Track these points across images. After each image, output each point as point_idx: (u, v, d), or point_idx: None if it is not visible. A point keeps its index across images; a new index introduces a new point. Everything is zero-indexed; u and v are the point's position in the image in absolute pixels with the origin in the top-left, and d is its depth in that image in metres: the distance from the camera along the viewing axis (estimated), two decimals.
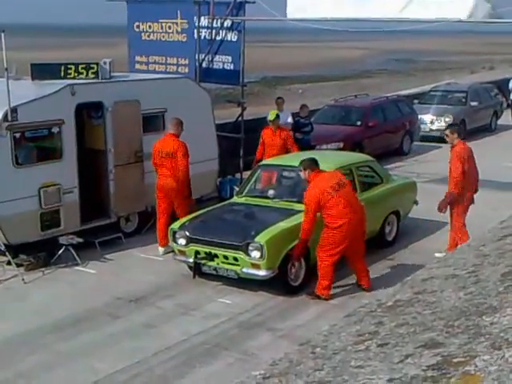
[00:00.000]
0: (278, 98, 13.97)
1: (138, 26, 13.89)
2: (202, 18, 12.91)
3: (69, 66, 9.87)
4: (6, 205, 8.69)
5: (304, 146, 12.72)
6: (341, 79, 44.93)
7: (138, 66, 13.97)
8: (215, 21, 12.83)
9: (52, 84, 9.48)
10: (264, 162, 10.40)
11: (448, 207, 8.99)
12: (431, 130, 18.43)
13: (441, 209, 8.95)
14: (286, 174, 9.72)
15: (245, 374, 2.10)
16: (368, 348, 2.03)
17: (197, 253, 8.28)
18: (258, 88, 36.81)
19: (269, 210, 8.76)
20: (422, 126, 18.22)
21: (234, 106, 14.54)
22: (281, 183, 9.80)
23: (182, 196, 9.57)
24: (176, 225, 8.60)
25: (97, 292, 8.28)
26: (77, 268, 9.06)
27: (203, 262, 8.24)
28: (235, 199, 9.42)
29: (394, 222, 9.93)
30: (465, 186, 8.88)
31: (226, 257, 8.08)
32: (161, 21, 13.53)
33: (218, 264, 8.16)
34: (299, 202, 8.35)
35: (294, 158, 10.27)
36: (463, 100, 19.44)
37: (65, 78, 9.77)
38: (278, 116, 11.71)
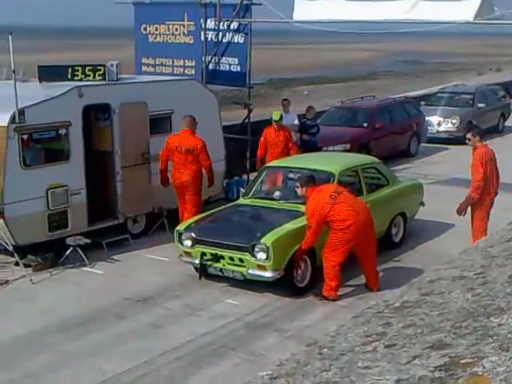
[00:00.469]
0: (284, 99, 14.02)
1: (145, 28, 13.93)
2: (209, 20, 12.95)
3: (76, 68, 9.92)
4: (14, 206, 8.73)
5: (311, 147, 12.78)
6: (347, 81, 44.87)
7: (144, 68, 14.01)
8: (222, 23, 12.86)
9: (59, 86, 9.52)
10: (270, 164, 10.40)
11: (468, 210, 8.88)
12: (438, 131, 18.38)
13: (460, 212, 8.87)
14: (291, 175, 9.72)
15: (252, 375, 2.10)
16: (375, 349, 2.03)
17: (203, 254, 8.28)
18: (265, 90, 36.80)
19: (275, 211, 8.76)
20: (429, 128, 18.17)
21: (240, 107, 14.57)
22: (287, 185, 9.81)
23: (194, 191, 9.76)
24: (182, 226, 8.61)
25: (104, 292, 8.30)
26: (84, 269, 9.09)
27: (209, 263, 8.25)
28: (241, 201, 9.43)
29: (401, 224, 9.91)
30: (485, 189, 8.78)
31: (231, 258, 8.08)
32: (168, 23, 13.57)
33: (223, 265, 8.17)
34: (305, 203, 8.36)
35: (300, 160, 10.28)
36: (470, 102, 19.36)
37: (72, 79, 9.82)
38: (281, 116, 12.00)
